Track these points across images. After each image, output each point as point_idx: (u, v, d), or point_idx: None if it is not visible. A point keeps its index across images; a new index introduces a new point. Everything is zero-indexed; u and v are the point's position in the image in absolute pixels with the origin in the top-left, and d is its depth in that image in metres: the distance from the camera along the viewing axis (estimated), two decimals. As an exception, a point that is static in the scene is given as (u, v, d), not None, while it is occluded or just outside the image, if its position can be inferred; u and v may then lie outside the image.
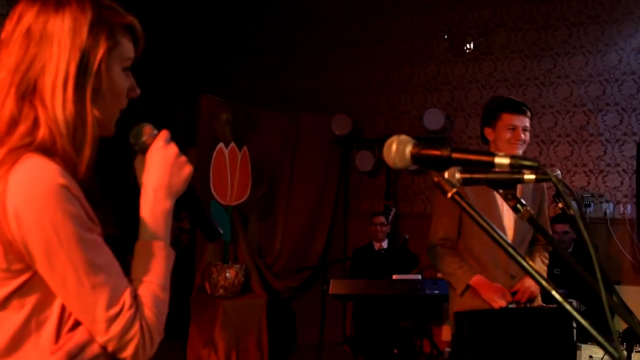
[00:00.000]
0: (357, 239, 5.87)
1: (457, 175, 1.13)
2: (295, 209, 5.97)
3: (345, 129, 5.97)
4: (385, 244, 5.48)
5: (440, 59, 5.98)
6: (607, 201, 5.30)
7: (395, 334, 5.06)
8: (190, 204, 1.30)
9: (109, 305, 1.04)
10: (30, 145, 1.04)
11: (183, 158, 1.21)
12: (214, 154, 5.10)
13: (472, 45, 5.81)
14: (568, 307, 1.00)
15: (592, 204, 5.28)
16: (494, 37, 5.77)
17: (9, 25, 1.10)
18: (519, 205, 1.23)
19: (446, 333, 5.53)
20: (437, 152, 1.01)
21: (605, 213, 5.26)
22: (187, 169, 1.22)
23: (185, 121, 6.75)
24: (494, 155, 0.99)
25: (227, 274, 5.01)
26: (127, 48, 1.17)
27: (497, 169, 1.01)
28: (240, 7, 6.83)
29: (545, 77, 5.58)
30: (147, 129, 1.23)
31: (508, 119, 2.87)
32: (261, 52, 6.69)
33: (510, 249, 1.07)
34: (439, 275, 4.97)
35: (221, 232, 1.36)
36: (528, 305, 2.86)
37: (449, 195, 0.99)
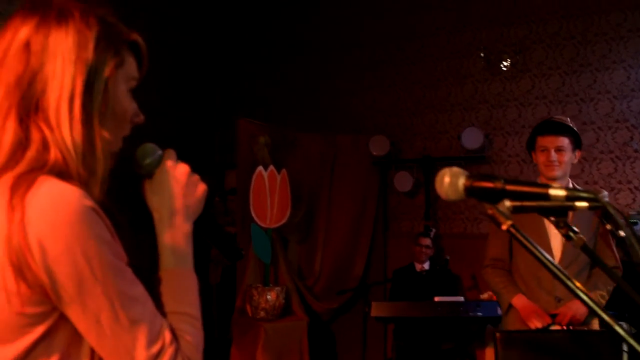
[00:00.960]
0: (397, 260, 5.84)
1: (507, 204, 1.13)
2: (335, 230, 5.98)
3: (383, 150, 5.97)
4: (427, 266, 5.43)
5: (477, 77, 5.95)
6: (653, 218, 5.17)
7: (437, 356, 4.99)
8: (206, 225, 1.22)
9: (150, 343, 0.94)
10: (43, 168, 0.94)
11: (195, 177, 1.13)
12: (253, 177, 5.15)
13: (508, 62, 5.77)
14: (618, 329, 0.99)
15: (638, 222, 5.15)
16: (531, 54, 5.72)
17: (2, 39, 1.00)
18: (571, 233, 1.23)
19: (489, 356, 5.44)
20: (491, 185, 1.01)
21: (652, 230, 5.13)
22: (201, 188, 1.13)
23: (223, 145, 6.84)
24: (548, 187, 0.99)
25: (268, 296, 5.03)
26: (132, 67, 1.08)
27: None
28: (277, 30, 6.92)
29: (585, 93, 5.50)
30: (151, 149, 1.12)
31: (541, 141, 2.92)
32: (298, 74, 6.75)
33: (559, 273, 1.06)
34: (482, 297, 4.91)
35: (242, 251, 1.29)
36: (570, 328, 2.82)
37: (504, 227, 0.99)
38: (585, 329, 2.85)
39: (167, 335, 0.97)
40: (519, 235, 0.99)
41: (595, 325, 2.88)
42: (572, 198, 0.97)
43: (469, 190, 1.03)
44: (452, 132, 5.99)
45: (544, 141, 2.88)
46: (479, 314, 4.45)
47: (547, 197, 0.98)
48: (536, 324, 2.77)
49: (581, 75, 5.52)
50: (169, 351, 0.96)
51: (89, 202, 0.92)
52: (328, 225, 5.98)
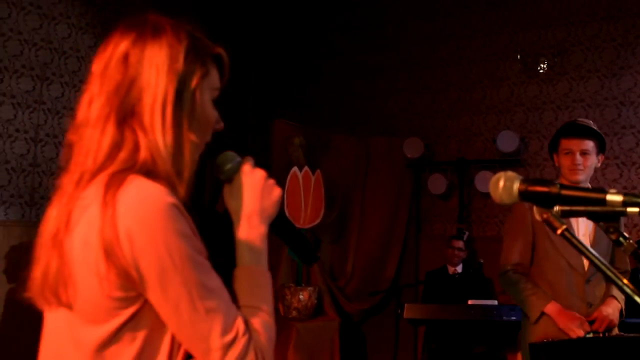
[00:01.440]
0: (429, 262, 5.82)
1: (556, 208, 1.13)
2: (368, 231, 5.98)
3: (417, 152, 5.96)
4: (459, 269, 5.40)
5: (513, 80, 5.90)
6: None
7: (469, 359, 4.97)
8: (282, 227, 1.29)
9: (224, 332, 1.01)
10: (133, 168, 1.04)
11: (271, 181, 1.21)
12: (288, 177, 5.19)
13: (546, 65, 5.71)
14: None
15: (678, 228, 5.06)
16: (569, 57, 5.65)
17: (102, 54, 1.12)
18: (621, 239, 1.22)
19: (522, 360, 5.39)
20: (546, 189, 1.02)
21: (670, 237, 5.03)
22: (277, 192, 1.22)
23: (257, 146, 6.89)
24: (605, 192, 0.99)
25: (301, 296, 5.06)
26: (216, 78, 1.18)
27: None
28: (311, 32, 6.96)
29: (624, 97, 5.41)
30: (231, 156, 1.21)
31: (565, 143, 2.84)
32: (332, 76, 6.78)
33: (612, 275, 1.06)
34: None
35: (318, 255, 1.34)
36: (607, 334, 2.76)
37: (559, 232, 1.00)
38: (614, 335, 2.80)
39: (241, 326, 1.03)
40: (574, 240, 0.99)
41: (616, 330, 2.83)
42: (629, 203, 0.97)
43: (523, 195, 1.04)
44: (487, 135, 5.95)
45: (569, 144, 2.81)
46: (513, 318, 4.41)
47: (604, 202, 0.98)
48: (578, 332, 2.66)
49: (621, 78, 5.43)
50: (242, 341, 1.02)
51: (172, 199, 1.01)
52: (361, 226, 5.99)
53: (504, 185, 1.05)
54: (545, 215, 1.01)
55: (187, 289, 0.99)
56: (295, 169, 5.23)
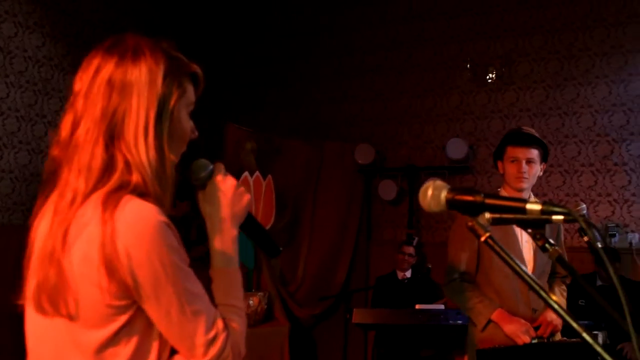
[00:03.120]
0: (380, 267, 5.88)
1: (487, 215, 1.17)
2: (318, 237, 6.01)
3: (368, 158, 6.02)
4: (408, 274, 5.48)
5: (462, 88, 6.03)
6: (632, 231, 5.26)
7: (417, 363, 5.03)
8: (250, 227, 1.40)
9: (207, 330, 1.15)
10: (127, 188, 1.13)
11: (241, 189, 1.34)
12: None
13: (494, 75, 5.85)
14: (587, 337, 1.03)
15: (617, 234, 5.24)
16: (516, 67, 5.81)
17: (84, 76, 1.19)
18: (547, 245, 1.27)
19: (469, 363, 5.49)
20: (471, 198, 1.05)
21: (630, 243, 5.22)
22: (246, 198, 1.34)
23: (209, 150, 6.83)
24: (525, 201, 1.03)
25: (250, 302, 5.04)
26: (191, 94, 1.28)
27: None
28: (266, 37, 6.95)
29: (568, 107, 5.60)
30: (204, 163, 1.31)
31: (511, 151, 2.85)
32: (285, 81, 6.79)
33: (536, 286, 1.10)
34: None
35: (281, 248, 1.47)
36: (551, 339, 2.83)
37: (482, 239, 1.03)
38: (557, 340, 2.87)
39: (220, 324, 1.18)
40: (496, 247, 1.03)
41: (559, 335, 2.90)
42: (546, 212, 1.01)
43: (450, 203, 1.07)
44: (437, 142, 6.06)
45: (516, 152, 2.82)
46: (459, 321, 4.49)
47: (523, 210, 1.02)
48: (524, 338, 2.69)
49: (565, 89, 5.62)
50: (222, 336, 1.17)
51: (163, 218, 1.13)
52: (312, 232, 6.01)
53: (432, 194, 1.09)
54: (470, 223, 1.04)
55: (177, 296, 1.13)
56: (246, 174, 5.22)
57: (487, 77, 5.87)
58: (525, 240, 2.87)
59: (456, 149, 5.70)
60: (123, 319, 1.14)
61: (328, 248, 6.01)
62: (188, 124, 1.28)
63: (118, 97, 1.16)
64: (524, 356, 2.58)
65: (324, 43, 6.67)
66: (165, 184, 1.19)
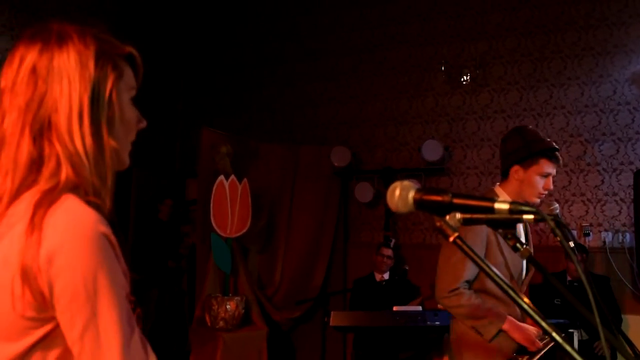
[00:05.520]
0: (357, 269, 5.88)
1: (458, 216, 1.17)
2: (295, 240, 5.99)
3: (344, 161, 6.02)
4: (386, 276, 5.48)
5: (437, 90, 6.06)
6: (605, 230, 5.33)
7: (396, 365, 5.03)
8: None
9: None
10: (59, 185, 1.02)
11: None
12: (215, 186, 5.14)
13: (468, 77, 5.89)
14: (556, 336, 1.03)
15: (590, 234, 5.30)
16: (490, 69, 5.86)
17: (9, 69, 1.09)
18: (518, 245, 1.27)
19: (447, 364, 5.50)
20: (439, 198, 1.04)
21: (604, 242, 5.29)
22: None
23: (184, 153, 6.81)
24: (493, 201, 1.03)
25: (228, 306, 5.01)
26: (131, 77, 1.17)
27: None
28: (240, 40, 6.93)
29: (541, 108, 5.65)
30: None
31: (546, 166, 2.68)
32: (261, 84, 6.77)
33: (505, 286, 1.09)
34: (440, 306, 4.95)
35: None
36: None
37: (451, 239, 1.03)
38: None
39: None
40: (465, 247, 1.02)
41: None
42: (515, 211, 1.01)
43: (418, 203, 1.06)
44: (412, 144, 6.08)
45: (550, 168, 2.68)
46: (437, 322, 4.50)
47: (492, 210, 1.02)
48: (538, 344, 2.60)
49: (538, 90, 5.68)
50: None
51: (102, 228, 1.01)
52: (289, 235, 5.99)
53: (400, 194, 1.07)
54: (438, 223, 1.04)
55: (94, 322, 0.99)
56: (221, 177, 5.19)
57: (462, 79, 5.91)
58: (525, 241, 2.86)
59: (432, 150, 5.73)
60: (39, 333, 1.00)
61: (305, 251, 5.99)
62: (132, 111, 1.16)
63: (44, 85, 1.05)
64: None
65: (299, 47, 6.66)
66: (104, 172, 1.07)
